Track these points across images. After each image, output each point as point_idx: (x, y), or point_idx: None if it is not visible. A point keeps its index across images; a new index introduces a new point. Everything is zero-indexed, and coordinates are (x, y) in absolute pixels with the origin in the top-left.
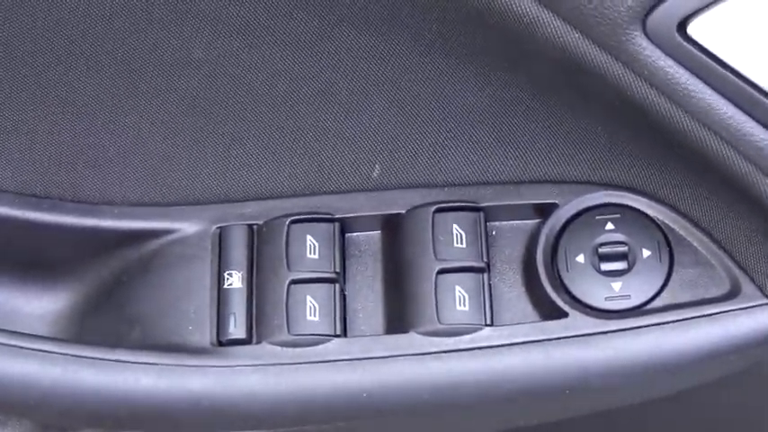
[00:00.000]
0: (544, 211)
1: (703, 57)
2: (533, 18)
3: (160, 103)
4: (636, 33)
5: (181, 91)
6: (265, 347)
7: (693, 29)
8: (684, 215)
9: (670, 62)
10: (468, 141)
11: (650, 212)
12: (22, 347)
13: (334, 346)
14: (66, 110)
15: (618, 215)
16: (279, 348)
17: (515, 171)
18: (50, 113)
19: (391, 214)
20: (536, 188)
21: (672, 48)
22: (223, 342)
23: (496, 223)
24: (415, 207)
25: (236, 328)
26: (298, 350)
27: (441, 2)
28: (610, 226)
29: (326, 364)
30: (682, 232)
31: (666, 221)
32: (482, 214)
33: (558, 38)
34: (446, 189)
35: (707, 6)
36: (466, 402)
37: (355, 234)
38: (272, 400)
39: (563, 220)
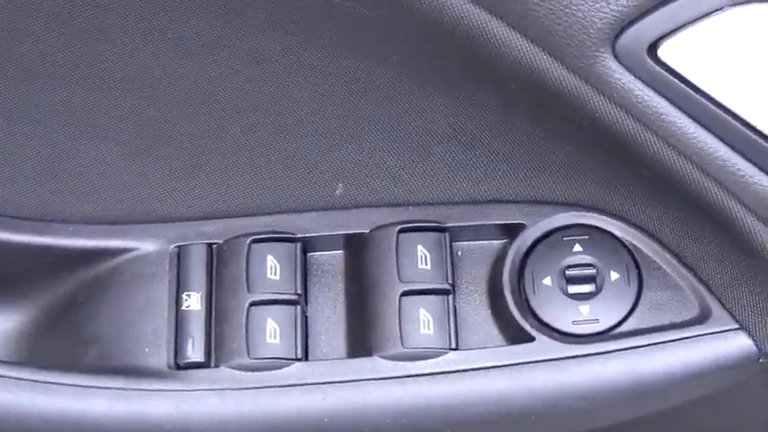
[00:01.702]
0: (511, 231)
1: (674, 80)
2: (501, 40)
3: (117, 122)
4: (606, 56)
5: (139, 110)
6: (224, 371)
7: (664, 52)
8: (654, 237)
9: (640, 85)
10: (433, 160)
11: (619, 234)
12: None
13: (295, 370)
14: (20, 127)
15: (586, 236)
16: (238, 372)
17: (482, 190)
18: (4, 131)
19: (354, 234)
20: (503, 208)
21: (642, 70)
22: (181, 365)
23: (462, 243)
24: (379, 227)
25: (194, 351)
26: (258, 374)
27: (406, 25)
28: (578, 247)
29: (287, 389)
30: (651, 254)
31: (635, 243)
32: (447, 235)
33: (527, 59)
34: (411, 208)
35: (677, 30)
36: (429, 428)
37: (318, 254)
38: (231, 426)
39: (530, 241)
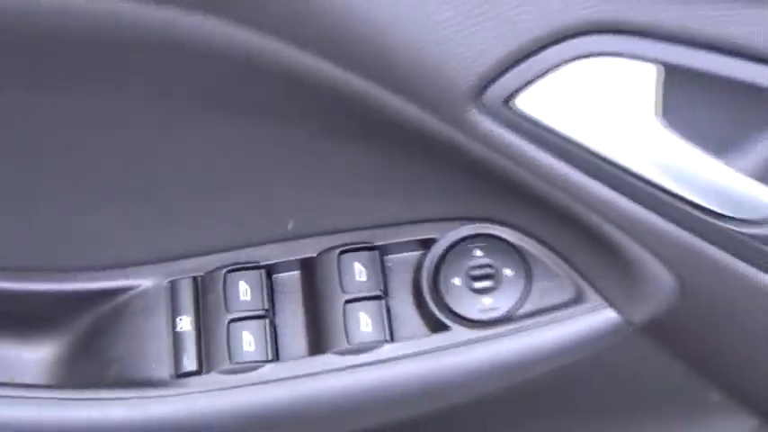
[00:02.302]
0: (427, 244)
1: (530, 125)
2: (381, 100)
3: (107, 191)
4: (474, 111)
5: (125, 181)
6: (213, 376)
7: (520, 101)
8: (538, 239)
9: (504, 131)
10: (360, 196)
11: (510, 239)
12: (22, 397)
13: (268, 370)
14: (27, 203)
15: (485, 243)
16: (224, 376)
17: (402, 214)
18: (19, 208)
19: (306, 258)
20: (420, 226)
21: (504, 119)
22: (179, 375)
23: (391, 257)
24: (324, 250)
25: (189, 363)
26: (239, 376)
27: (298, 93)
28: (479, 252)
29: (263, 385)
30: (536, 253)
31: (523, 245)
32: (378, 252)
33: (407, 116)
34: (348, 233)
35: (526, 85)
36: (374, 406)
37: (279, 276)
38: (220, 418)
39: (441, 251)
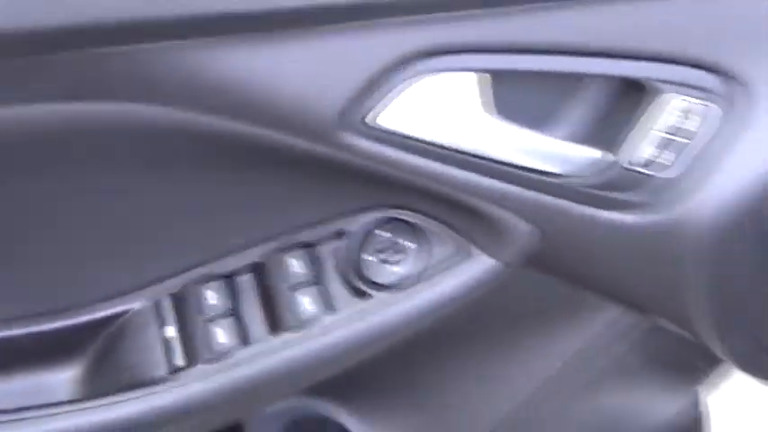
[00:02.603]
0: (345, 234)
1: (391, 135)
2: (277, 140)
3: (96, 236)
4: (344, 133)
5: (101, 234)
6: (199, 367)
7: (381, 118)
8: (431, 216)
9: (372, 144)
10: (287, 207)
11: (410, 219)
12: (58, 413)
13: (240, 354)
14: (36, 260)
15: (390, 225)
16: (207, 365)
17: (322, 214)
18: (27, 261)
19: (255, 262)
20: (338, 221)
21: (370, 135)
22: (172, 371)
23: (320, 247)
24: (267, 254)
25: (178, 360)
26: (218, 363)
27: (230, 152)
28: (387, 234)
29: (237, 367)
30: (431, 227)
31: (420, 222)
32: (307, 249)
33: (301, 147)
34: (284, 237)
35: (381, 104)
36: (323, 363)
37: (237, 279)
38: (208, 398)
39: (356, 237)
